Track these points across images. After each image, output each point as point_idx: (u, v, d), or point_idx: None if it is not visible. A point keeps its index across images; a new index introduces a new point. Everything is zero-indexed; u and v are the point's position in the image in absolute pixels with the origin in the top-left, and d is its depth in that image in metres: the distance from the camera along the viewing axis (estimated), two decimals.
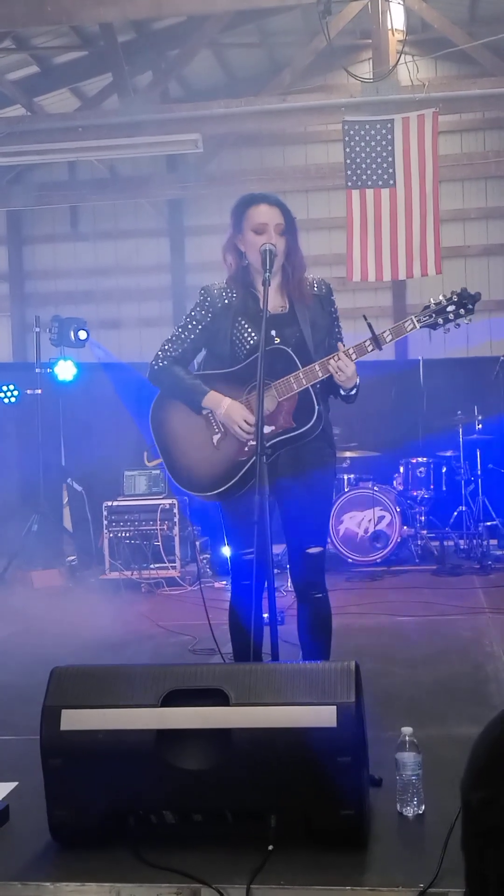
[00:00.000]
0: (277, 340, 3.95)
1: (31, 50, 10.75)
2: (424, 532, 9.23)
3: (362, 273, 9.39)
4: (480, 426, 9.27)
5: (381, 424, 10.06)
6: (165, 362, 4.11)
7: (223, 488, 3.97)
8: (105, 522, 8.89)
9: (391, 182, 9.25)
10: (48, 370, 9.62)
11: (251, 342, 3.95)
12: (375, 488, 8.97)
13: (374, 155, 9.22)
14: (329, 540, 8.36)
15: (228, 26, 10.41)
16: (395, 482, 9.42)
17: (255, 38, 11.82)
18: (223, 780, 2.95)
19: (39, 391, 9.38)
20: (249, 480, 3.79)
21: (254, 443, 3.79)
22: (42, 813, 3.09)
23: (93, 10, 8.40)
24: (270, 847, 2.92)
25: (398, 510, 8.91)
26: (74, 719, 3.02)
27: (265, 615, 4.17)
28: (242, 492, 3.88)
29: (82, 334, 9.77)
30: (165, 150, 10.67)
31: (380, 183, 9.26)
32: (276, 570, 4.30)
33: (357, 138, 9.21)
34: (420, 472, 9.29)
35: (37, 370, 9.54)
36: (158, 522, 8.77)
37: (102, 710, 3.03)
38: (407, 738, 3.24)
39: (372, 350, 3.89)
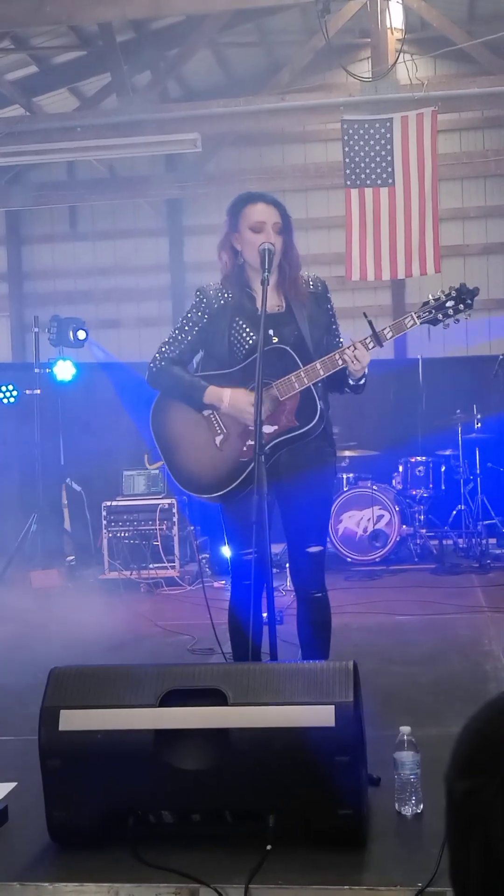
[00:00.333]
0: (276, 340, 3.95)
1: (30, 50, 10.74)
2: (423, 531, 9.23)
3: (361, 272, 9.40)
4: (479, 425, 9.27)
5: (380, 423, 10.06)
6: (163, 363, 4.11)
7: (227, 489, 3.97)
8: (104, 522, 8.89)
9: (390, 181, 9.25)
10: (47, 370, 9.61)
11: (250, 342, 3.94)
12: (374, 487, 8.97)
13: (372, 154, 9.22)
14: (328, 539, 8.36)
15: (227, 25, 10.41)
16: (394, 481, 9.42)
17: (253, 38, 11.82)
18: (221, 779, 2.95)
19: (38, 391, 9.38)
20: (252, 481, 3.77)
21: (268, 430, 3.83)
22: (41, 813, 3.09)
23: (91, 10, 8.40)
24: (269, 847, 2.92)
25: (397, 509, 8.91)
26: (73, 720, 3.02)
27: (264, 615, 4.18)
28: (244, 493, 3.87)
29: (81, 334, 9.77)
30: (164, 150, 10.67)
31: (379, 182, 9.26)
32: (274, 570, 4.30)
33: (356, 137, 9.21)
34: (419, 471, 9.29)
35: (36, 370, 9.53)
36: (157, 522, 8.77)
37: (101, 710, 3.03)
38: (405, 737, 3.24)
39: (373, 347, 3.91)
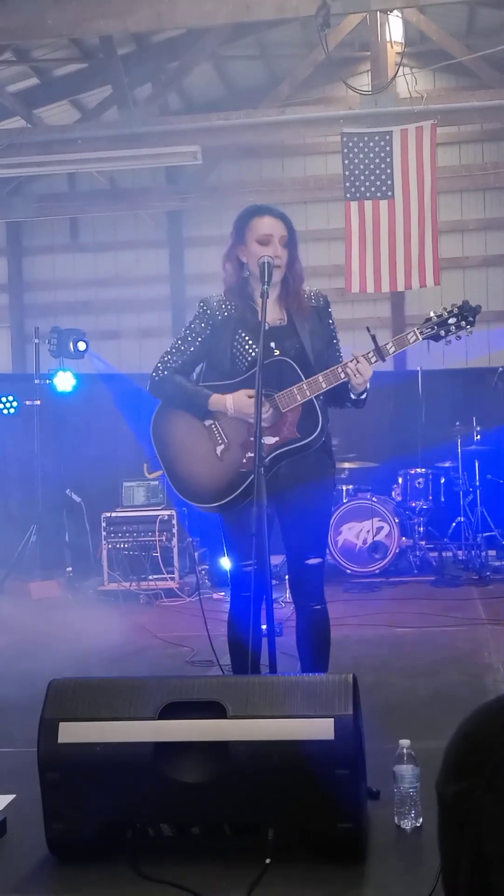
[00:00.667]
0: (277, 353, 3.97)
1: (31, 62, 10.77)
2: (423, 543, 9.22)
3: (361, 284, 9.42)
4: (479, 437, 9.28)
5: (380, 435, 10.07)
6: (166, 373, 4.12)
7: (227, 499, 3.98)
8: (104, 533, 8.88)
9: (390, 194, 9.28)
10: (47, 381, 9.62)
11: (252, 354, 3.95)
12: (374, 499, 8.97)
13: (372, 167, 9.24)
14: (327, 551, 8.36)
15: (228, 39, 10.45)
16: (393, 493, 9.42)
17: (254, 51, 11.86)
18: (221, 792, 2.95)
19: (38, 402, 9.39)
20: (251, 492, 3.78)
21: (270, 442, 3.86)
22: (39, 826, 3.09)
23: (93, 23, 8.43)
24: (268, 860, 2.92)
25: (397, 521, 8.91)
26: (72, 732, 3.02)
27: (263, 627, 4.18)
28: (244, 503, 3.88)
29: (81, 345, 9.78)
30: (165, 162, 10.69)
31: (378, 194, 9.29)
32: (273, 582, 4.30)
33: (356, 150, 9.24)
34: (419, 482, 9.29)
35: (36, 381, 9.55)
36: (157, 533, 8.77)
37: (100, 722, 3.03)
38: (405, 750, 3.24)
39: (376, 361, 3.93)
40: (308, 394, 3.89)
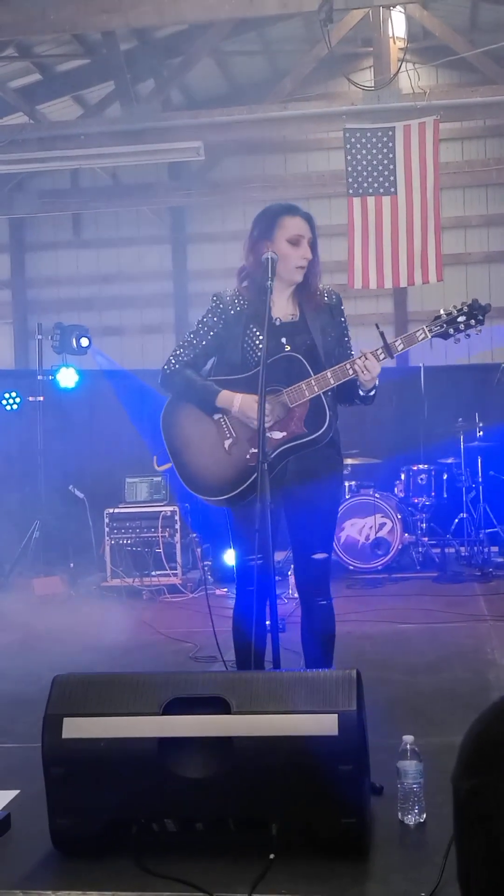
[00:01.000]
0: (288, 348, 4.00)
1: (34, 58, 10.77)
2: (425, 539, 9.21)
3: (364, 280, 9.41)
4: (481, 433, 9.26)
5: (383, 431, 10.06)
6: (177, 366, 4.13)
7: (233, 493, 3.99)
8: (106, 529, 8.88)
9: (392, 189, 9.27)
10: (50, 377, 9.63)
11: (262, 349, 3.93)
12: (377, 495, 8.96)
13: (375, 162, 9.24)
14: None
15: (230, 34, 10.44)
16: (396, 489, 9.41)
17: (256, 46, 11.86)
18: (225, 788, 2.95)
19: (41, 398, 9.39)
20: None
21: (277, 437, 3.88)
22: (43, 821, 3.09)
23: (95, 19, 8.43)
24: (272, 856, 2.93)
25: (399, 517, 8.91)
26: (76, 727, 3.02)
27: (268, 623, 4.18)
28: (251, 497, 3.86)
29: (84, 341, 9.78)
30: (167, 158, 10.70)
31: (381, 190, 9.28)
32: (276, 578, 4.30)
33: (358, 146, 9.23)
34: (421, 479, 9.28)
35: (39, 377, 9.55)
36: (160, 529, 8.77)
37: (104, 718, 3.03)
38: (408, 746, 3.24)
39: (384, 358, 3.94)
40: (316, 389, 3.90)
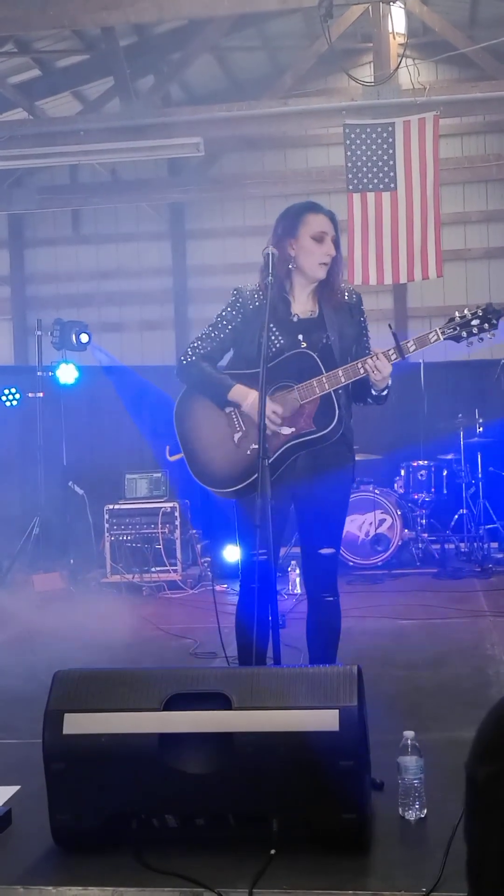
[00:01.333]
0: (304, 345, 4.03)
1: (33, 53, 10.75)
2: (425, 535, 9.22)
3: (363, 276, 9.40)
4: (481, 429, 9.26)
5: (382, 427, 10.04)
6: (194, 358, 4.15)
7: (240, 486, 4.02)
8: (106, 525, 8.88)
9: (392, 185, 9.26)
10: (50, 373, 9.62)
11: (277, 345, 4.00)
12: (376, 491, 8.96)
13: (374, 158, 9.23)
14: None
15: (230, 30, 10.42)
16: (395, 485, 9.42)
17: (256, 42, 11.84)
18: (225, 783, 2.95)
19: (41, 394, 9.39)
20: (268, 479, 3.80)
21: (286, 432, 3.93)
22: (44, 817, 3.09)
23: (95, 14, 8.42)
24: (272, 851, 2.93)
25: (399, 513, 8.91)
26: (77, 723, 3.02)
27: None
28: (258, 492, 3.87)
29: (84, 337, 9.78)
30: (167, 154, 10.69)
31: (381, 186, 9.27)
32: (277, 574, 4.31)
33: (358, 142, 9.22)
34: (421, 475, 9.29)
35: (38, 373, 9.55)
36: (160, 525, 8.77)
37: (105, 713, 3.03)
38: (409, 741, 3.24)
39: (396, 359, 3.96)
40: (327, 387, 3.93)
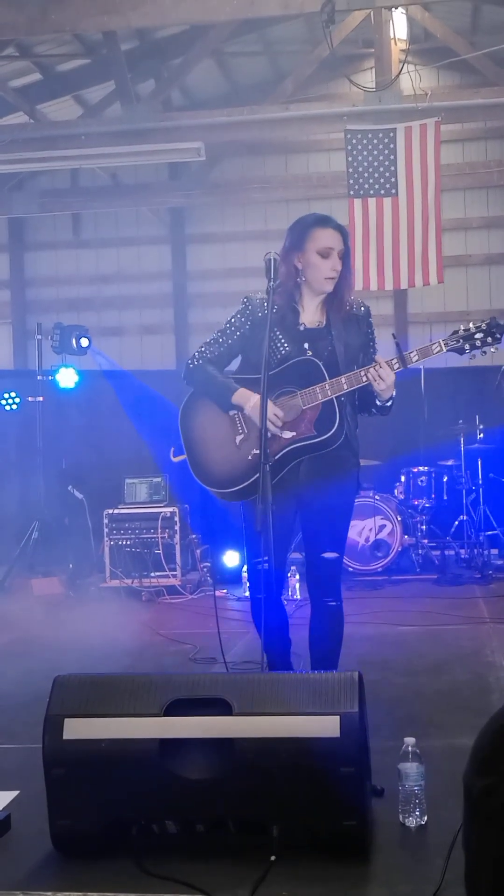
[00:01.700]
0: (310, 353, 4.09)
1: (34, 57, 10.76)
2: (425, 541, 9.21)
3: (364, 282, 9.39)
4: (482, 435, 9.26)
5: (383, 433, 10.02)
6: (200, 362, 4.24)
7: (238, 487, 4.10)
8: (106, 530, 8.88)
9: (393, 191, 9.26)
10: (50, 377, 9.62)
11: (283, 352, 4.08)
12: (376, 497, 8.96)
13: (376, 164, 9.22)
14: None
15: (231, 35, 10.42)
16: (396, 491, 9.41)
17: (257, 47, 11.84)
18: (226, 789, 2.95)
19: (41, 398, 9.39)
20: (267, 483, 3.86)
21: (286, 436, 3.99)
22: (43, 822, 3.08)
23: (96, 19, 8.41)
24: (273, 857, 2.92)
25: (399, 519, 8.90)
26: (77, 728, 3.02)
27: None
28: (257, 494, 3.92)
29: (84, 342, 9.78)
30: (168, 158, 10.69)
31: (382, 192, 9.27)
32: None
33: (359, 147, 9.22)
34: (421, 481, 9.28)
35: (38, 377, 9.55)
36: (159, 530, 8.76)
37: (105, 719, 3.02)
38: (409, 748, 3.23)
39: (398, 368, 4.03)
40: (329, 393, 3.99)
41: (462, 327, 4.12)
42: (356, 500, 8.68)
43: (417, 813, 3.20)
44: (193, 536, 9.16)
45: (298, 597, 7.49)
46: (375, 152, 9.21)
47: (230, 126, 9.76)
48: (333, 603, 4.19)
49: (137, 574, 8.64)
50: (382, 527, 8.90)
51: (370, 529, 8.87)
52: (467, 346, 4.09)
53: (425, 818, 3.20)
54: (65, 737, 3.01)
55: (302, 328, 4.13)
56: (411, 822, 3.19)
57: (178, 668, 5.76)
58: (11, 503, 10.20)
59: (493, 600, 7.69)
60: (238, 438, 4.13)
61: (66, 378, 9.72)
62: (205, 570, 8.89)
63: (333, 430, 4.01)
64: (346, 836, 2.95)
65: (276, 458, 3.96)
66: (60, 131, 10.07)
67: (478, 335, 4.08)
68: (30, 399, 9.53)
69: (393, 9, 9.03)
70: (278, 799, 2.95)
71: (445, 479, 9.38)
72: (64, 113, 11.80)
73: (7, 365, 13.63)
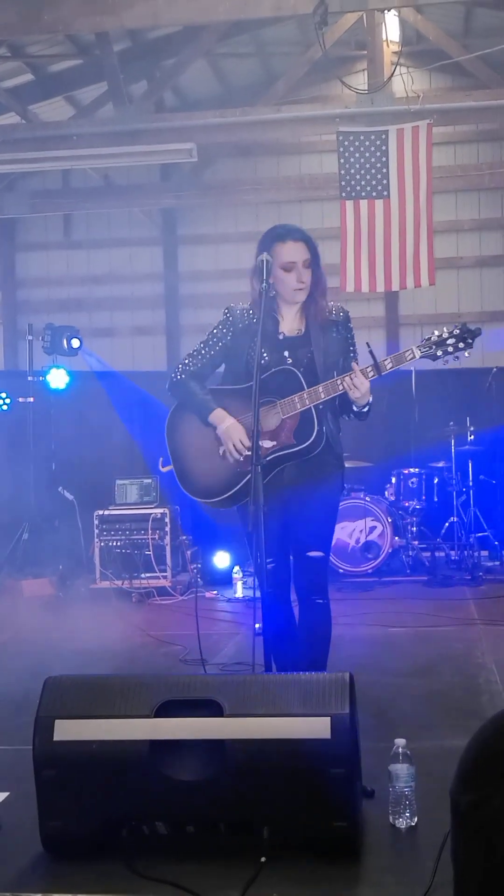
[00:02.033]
0: (290, 361, 4.17)
1: (26, 58, 10.73)
2: (416, 543, 9.23)
3: (356, 283, 9.40)
4: (472, 437, 9.28)
5: (373, 435, 10.05)
6: (183, 376, 4.33)
7: (223, 496, 4.20)
8: (96, 531, 8.87)
9: (385, 193, 9.26)
10: (40, 378, 9.61)
11: (263, 361, 4.10)
12: (367, 498, 8.97)
13: (368, 166, 9.23)
14: None
15: (224, 36, 10.42)
16: (386, 493, 9.42)
17: (250, 49, 11.83)
18: (216, 791, 2.94)
19: (31, 399, 9.38)
20: (248, 492, 3.94)
21: (267, 446, 4.06)
22: (33, 823, 3.08)
23: (89, 19, 8.40)
24: (263, 858, 2.92)
25: (390, 521, 8.91)
26: (68, 730, 3.01)
27: (257, 626, 4.23)
28: (245, 501, 4.06)
29: (75, 342, 9.77)
30: (160, 159, 10.66)
31: (374, 194, 9.27)
32: None
33: (351, 149, 9.22)
34: (412, 482, 9.30)
35: (29, 378, 9.54)
36: (150, 532, 8.76)
37: (96, 720, 3.02)
38: (400, 749, 3.23)
39: (373, 376, 4.08)
40: (307, 402, 4.07)
41: (435, 333, 4.22)
42: (347, 502, 8.82)
43: (408, 814, 3.20)
44: (184, 538, 9.15)
45: (240, 595, 8.04)
46: (367, 154, 9.21)
47: (222, 127, 9.75)
48: (321, 601, 4.25)
49: (128, 575, 8.63)
50: (373, 528, 8.92)
51: (360, 531, 8.88)
52: (440, 352, 4.19)
53: (415, 819, 3.20)
54: (55, 738, 3.01)
55: (281, 337, 4.21)
56: (401, 823, 3.20)
57: (169, 669, 5.75)
58: (1, 504, 10.17)
59: (483, 602, 7.70)
60: (221, 449, 4.21)
61: (57, 379, 9.71)
62: (195, 571, 8.89)
63: (312, 439, 4.08)
64: (336, 838, 2.95)
65: (261, 464, 3.98)
66: (52, 132, 10.05)
67: (450, 341, 4.18)
68: (20, 400, 9.51)
69: (386, 11, 9.04)
70: (269, 800, 2.95)
71: (436, 480, 9.40)
72: (56, 113, 11.78)
73: None
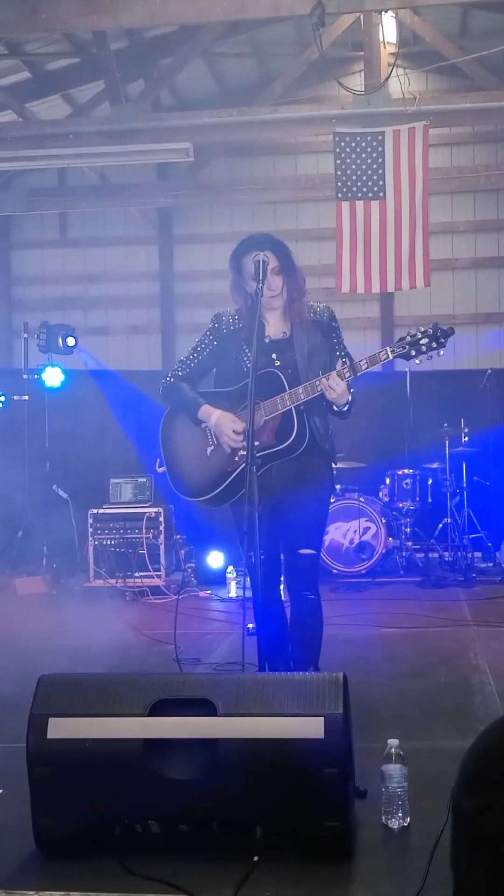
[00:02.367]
0: (278, 363, 4.27)
1: (23, 56, 10.73)
2: (409, 544, 9.24)
3: (351, 284, 9.41)
4: (467, 439, 9.30)
5: (368, 436, 10.06)
6: (173, 380, 4.48)
7: (210, 495, 4.32)
8: (90, 530, 8.87)
9: (381, 194, 9.27)
10: (36, 376, 9.60)
11: (249, 365, 4.17)
12: (361, 499, 8.98)
13: (364, 167, 9.23)
14: None
15: (221, 36, 10.42)
16: (380, 493, 9.43)
17: (247, 49, 11.84)
18: (209, 790, 2.94)
19: (26, 397, 9.39)
20: (238, 490, 4.12)
21: (242, 453, 4.12)
22: (26, 821, 3.07)
23: (86, 18, 8.39)
24: (256, 858, 2.92)
25: (384, 521, 8.92)
26: (62, 728, 3.01)
27: (250, 626, 4.26)
28: (234, 500, 4.23)
29: (70, 341, 9.77)
30: (156, 159, 10.67)
31: (370, 195, 9.28)
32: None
33: (348, 150, 9.23)
34: (406, 483, 9.31)
35: (24, 376, 9.54)
36: (144, 531, 8.76)
37: (90, 718, 3.02)
38: (393, 749, 3.24)
39: (349, 377, 4.16)
40: (288, 403, 4.17)
41: (409, 333, 4.29)
42: (341, 503, 8.83)
43: (400, 814, 3.20)
44: (178, 537, 9.15)
45: (233, 595, 7.98)
46: (364, 155, 9.22)
47: (219, 127, 9.76)
48: (312, 596, 4.30)
49: (121, 574, 8.63)
50: (367, 529, 8.93)
51: (354, 531, 8.89)
52: (413, 352, 4.25)
53: (408, 819, 3.21)
54: (49, 736, 3.01)
55: (267, 340, 4.31)
56: (394, 823, 3.20)
57: (162, 668, 5.75)
58: None
59: (476, 603, 7.71)
60: (209, 450, 4.34)
61: (52, 377, 9.70)
62: (189, 570, 8.89)
63: (291, 438, 4.16)
64: (329, 837, 2.96)
65: (243, 466, 4.08)
66: (49, 130, 10.05)
67: (423, 340, 4.24)
68: (15, 398, 9.52)
69: (382, 12, 9.05)
70: (262, 800, 2.95)
71: (430, 481, 9.41)
72: (53, 112, 11.78)
73: None
